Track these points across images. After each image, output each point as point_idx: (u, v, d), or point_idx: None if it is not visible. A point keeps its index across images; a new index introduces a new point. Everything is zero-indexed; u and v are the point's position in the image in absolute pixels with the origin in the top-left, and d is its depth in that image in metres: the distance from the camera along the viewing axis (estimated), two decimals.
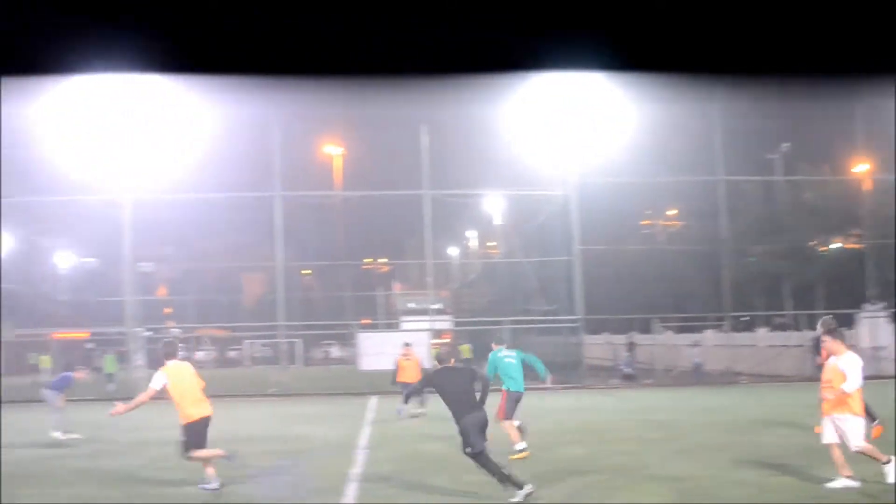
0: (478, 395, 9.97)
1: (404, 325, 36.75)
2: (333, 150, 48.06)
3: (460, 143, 34.56)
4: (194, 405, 10.35)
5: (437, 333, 34.70)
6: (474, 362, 33.90)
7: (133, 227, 32.88)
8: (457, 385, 9.90)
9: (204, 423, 10.34)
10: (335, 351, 58.03)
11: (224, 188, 34.13)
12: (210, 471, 10.24)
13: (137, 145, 30.71)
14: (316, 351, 57.73)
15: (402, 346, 21.48)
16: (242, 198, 34.69)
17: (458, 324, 42.15)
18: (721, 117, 32.13)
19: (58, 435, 16.73)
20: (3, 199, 33.76)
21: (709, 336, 35.43)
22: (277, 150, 32.71)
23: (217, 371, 32.38)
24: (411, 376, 19.30)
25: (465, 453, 9.71)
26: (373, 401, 24.40)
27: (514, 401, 13.54)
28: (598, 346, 37.85)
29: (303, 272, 62.82)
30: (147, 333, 32.15)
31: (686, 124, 31.47)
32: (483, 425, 9.74)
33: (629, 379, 31.87)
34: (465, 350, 34.86)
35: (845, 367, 9.58)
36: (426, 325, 33.80)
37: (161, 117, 29.36)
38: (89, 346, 43.80)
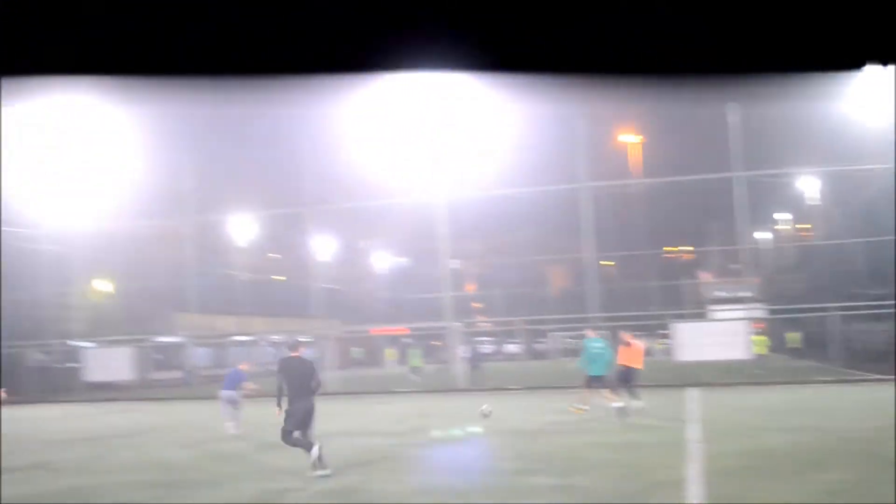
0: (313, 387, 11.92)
1: (717, 315, 35.28)
2: (632, 139, 47.36)
3: (771, 121, 32.69)
4: None
5: (753, 322, 32.97)
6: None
7: (445, 226, 34.16)
8: (299, 374, 11.95)
9: None
10: (643, 342, 57.21)
11: (529, 183, 34.67)
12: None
13: (447, 145, 31.95)
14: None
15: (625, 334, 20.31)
16: (548, 192, 34.92)
17: (773, 312, 39.97)
18: None
19: (232, 429, 17.74)
20: (324, 206, 36.46)
21: None
22: (581, 142, 32.67)
23: (527, 363, 32.93)
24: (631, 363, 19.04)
25: (283, 430, 11.70)
26: (693, 393, 23.67)
27: (595, 381, 18.07)
28: None
29: (602, 263, 62.53)
30: (458, 327, 33.35)
31: None
32: (309, 413, 11.80)
33: None
34: (762, 342, 32.82)
35: None
36: (741, 314, 32.21)
37: (468, 116, 30.27)
38: (407, 340, 46.15)
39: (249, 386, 18.35)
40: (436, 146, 32.51)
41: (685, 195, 40.86)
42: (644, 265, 60.64)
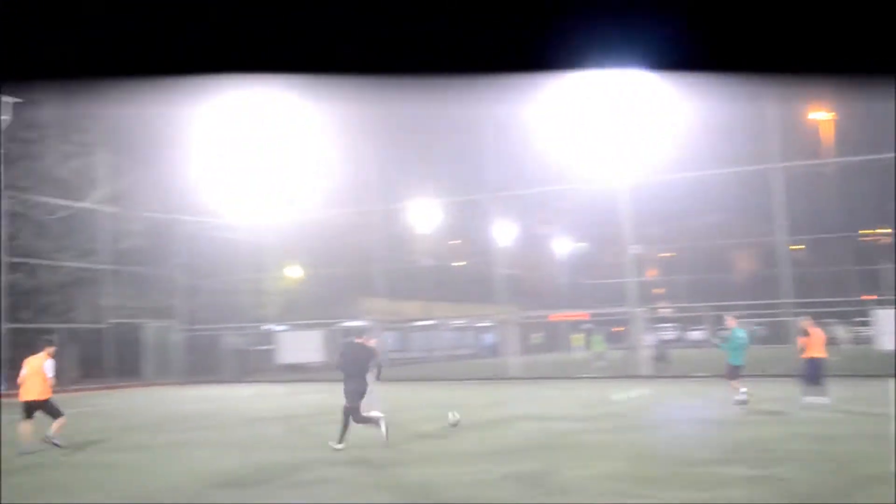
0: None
1: None
2: (823, 116, 44.94)
3: None
4: None
5: None
6: None
7: (627, 212, 33.51)
8: (356, 359, 13.59)
9: None
10: (838, 330, 54.02)
11: (715, 166, 33.59)
12: None
13: (629, 130, 31.41)
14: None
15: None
16: (736, 174, 33.65)
17: None
18: None
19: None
20: (505, 192, 36.60)
21: None
22: (774, 121, 31.33)
23: (712, 351, 31.87)
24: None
25: (344, 407, 13.22)
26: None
27: (733, 369, 17.79)
28: None
29: (792, 247, 59.80)
30: (641, 313, 32.73)
31: None
32: (360, 393, 13.35)
33: None
34: None
35: None
36: None
37: (647, 109, 29.74)
38: (587, 326, 45.74)
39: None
40: (618, 131, 31.99)
41: (884, 174, 38.38)
42: (838, 249, 57.69)
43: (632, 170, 32.60)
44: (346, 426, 13.24)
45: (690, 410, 17.99)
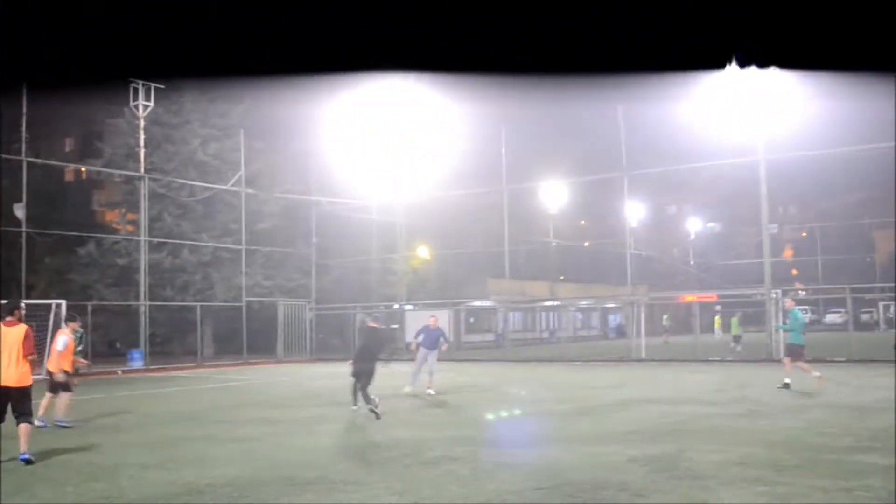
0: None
1: None
2: None
3: None
4: None
5: None
6: None
7: (763, 189, 32.31)
8: (367, 342, 15.82)
9: None
10: None
11: (858, 141, 32.11)
12: None
13: (765, 104, 30.46)
14: None
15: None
16: (882, 149, 32.03)
17: None
18: None
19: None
20: (633, 172, 35.96)
21: None
22: None
23: (852, 335, 30.58)
24: None
25: (353, 385, 15.40)
26: None
27: (795, 348, 18.77)
28: None
29: None
30: (774, 296, 31.59)
31: None
32: (369, 373, 15.26)
33: None
34: None
35: None
36: None
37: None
38: (716, 308, 44.63)
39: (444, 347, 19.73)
40: (753, 108, 30.95)
41: None
42: None
43: (768, 144, 31.46)
44: (357, 393, 15.34)
45: (824, 396, 17.28)
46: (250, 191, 39.31)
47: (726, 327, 38.72)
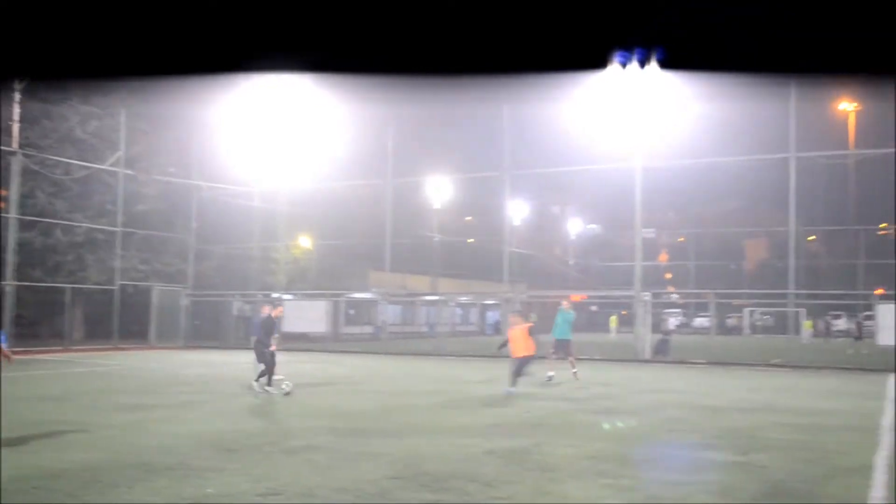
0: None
1: None
2: (847, 107, 44.64)
3: None
4: None
5: None
6: None
7: (640, 194, 33.42)
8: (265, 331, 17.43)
9: None
10: (841, 323, 53.86)
11: (733, 153, 33.51)
12: None
13: (645, 119, 31.32)
14: (818, 322, 53.93)
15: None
16: (754, 161, 33.53)
17: None
18: None
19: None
20: (517, 171, 36.61)
21: None
22: (793, 110, 31.29)
23: (715, 338, 32.03)
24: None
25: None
26: (892, 379, 22.33)
27: (563, 343, 21.16)
28: None
29: (809, 238, 59.61)
30: (646, 297, 32.72)
31: None
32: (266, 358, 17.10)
33: None
34: None
35: None
36: None
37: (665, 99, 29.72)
38: (593, 308, 45.86)
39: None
40: (635, 116, 31.88)
41: None
42: (853, 242, 57.47)
43: (647, 152, 32.44)
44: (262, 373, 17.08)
45: (679, 396, 18.09)
46: (129, 172, 38.33)
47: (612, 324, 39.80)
